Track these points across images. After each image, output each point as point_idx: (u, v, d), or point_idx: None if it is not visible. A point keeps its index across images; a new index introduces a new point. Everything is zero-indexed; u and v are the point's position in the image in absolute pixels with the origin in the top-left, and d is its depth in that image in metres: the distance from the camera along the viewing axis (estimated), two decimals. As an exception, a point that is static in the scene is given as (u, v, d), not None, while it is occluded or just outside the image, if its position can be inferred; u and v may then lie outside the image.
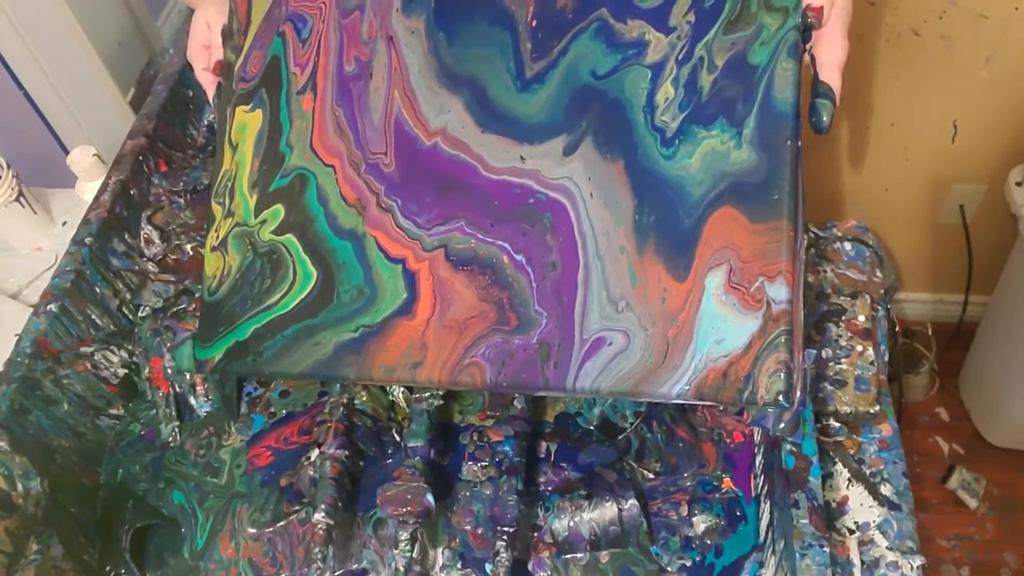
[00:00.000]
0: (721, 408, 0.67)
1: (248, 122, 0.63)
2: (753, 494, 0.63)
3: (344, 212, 0.59)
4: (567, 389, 0.53)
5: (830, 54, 0.53)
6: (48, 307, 0.68)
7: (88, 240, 0.72)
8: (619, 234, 0.54)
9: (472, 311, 0.55)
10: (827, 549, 0.53)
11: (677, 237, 0.53)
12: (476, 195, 0.57)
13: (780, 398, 0.49)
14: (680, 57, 0.54)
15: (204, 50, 0.66)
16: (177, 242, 0.80)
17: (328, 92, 0.61)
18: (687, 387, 0.51)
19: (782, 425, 0.55)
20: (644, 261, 0.53)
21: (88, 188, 0.92)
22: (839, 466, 0.67)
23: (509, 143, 0.57)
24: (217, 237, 0.62)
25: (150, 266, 0.78)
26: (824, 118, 0.53)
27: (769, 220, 0.51)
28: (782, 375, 0.49)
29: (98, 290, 0.73)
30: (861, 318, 0.72)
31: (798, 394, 0.49)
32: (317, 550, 0.58)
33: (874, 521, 0.64)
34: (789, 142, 0.51)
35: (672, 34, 0.55)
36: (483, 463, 0.65)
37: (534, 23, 0.58)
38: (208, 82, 0.66)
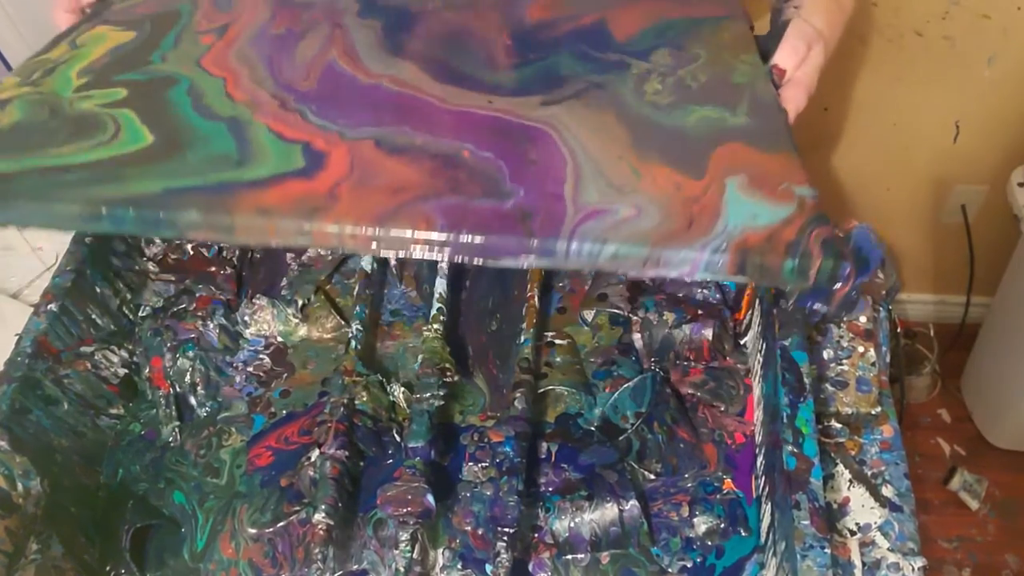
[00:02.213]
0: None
1: (110, 35, 0.54)
2: (754, 495, 0.63)
3: (224, 105, 0.49)
4: (558, 252, 0.42)
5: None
6: (49, 306, 0.68)
7: (89, 239, 0.72)
8: (614, 149, 0.48)
9: (409, 182, 0.44)
10: (828, 550, 0.53)
11: (684, 156, 0.48)
12: (430, 117, 0.49)
13: (837, 265, 0.42)
14: (663, 72, 0.56)
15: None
16: (178, 242, 0.80)
17: (241, 38, 0.53)
18: (723, 249, 0.42)
19: (838, 303, 0.46)
20: (649, 164, 0.47)
21: (89, 188, 0.92)
22: (840, 467, 0.67)
23: (473, 93, 0.50)
24: None
25: (150, 266, 0.78)
26: None
27: (778, 151, 0.49)
28: (834, 243, 0.42)
29: (99, 290, 0.72)
30: (863, 319, 0.71)
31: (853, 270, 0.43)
32: (317, 551, 0.58)
33: (875, 522, 0.64)
34: (782, 115, 0.52)
35: (652, 63, 0.56)
36: (483, 463, 0.65)
37: (509, 43, 0.57)
38: (65, 22, 0.58)
